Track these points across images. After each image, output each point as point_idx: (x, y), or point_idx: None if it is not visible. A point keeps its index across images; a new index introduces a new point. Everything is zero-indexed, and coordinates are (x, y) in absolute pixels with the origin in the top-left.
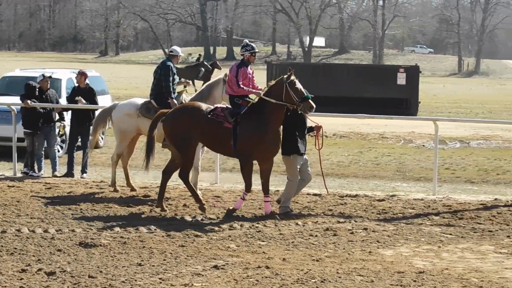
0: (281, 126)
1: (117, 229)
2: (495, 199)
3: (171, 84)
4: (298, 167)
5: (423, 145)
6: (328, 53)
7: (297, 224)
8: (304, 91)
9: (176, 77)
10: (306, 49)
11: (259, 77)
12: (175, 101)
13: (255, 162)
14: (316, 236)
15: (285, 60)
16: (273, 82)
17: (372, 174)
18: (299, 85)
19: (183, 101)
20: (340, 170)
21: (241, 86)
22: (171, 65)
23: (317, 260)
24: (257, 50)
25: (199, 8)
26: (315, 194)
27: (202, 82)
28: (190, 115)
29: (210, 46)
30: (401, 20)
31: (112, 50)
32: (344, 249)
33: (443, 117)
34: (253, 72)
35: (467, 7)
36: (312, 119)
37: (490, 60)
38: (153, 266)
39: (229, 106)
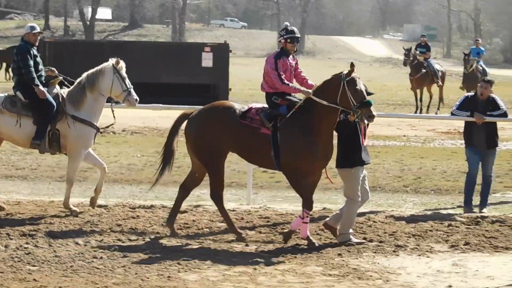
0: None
1: None
2: (324, 208)
3: (32, 69)
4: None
5: None
6: (116, 28)
7: (77, 243)
8: (365, 94)
9: (40, 62)
10: (88, 23)
11: None
12: (43, 89)
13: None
14: (102, 258)
15: (61, 37)
16: (328, 78)
17: (172, 180)
18: (360, 86)
19: (60, 94)
20: (132, 175)
21: (285, 81)
22: (28, 46)
23: None
24: (296, 35)
25: None
26: (100, 206)
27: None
28: (221, 117)
29: None
30: None
31: None
32: (136, 274)
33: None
34: (296, 63)
35: None
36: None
37: (317, 36)
38: None
39: (265, 106)
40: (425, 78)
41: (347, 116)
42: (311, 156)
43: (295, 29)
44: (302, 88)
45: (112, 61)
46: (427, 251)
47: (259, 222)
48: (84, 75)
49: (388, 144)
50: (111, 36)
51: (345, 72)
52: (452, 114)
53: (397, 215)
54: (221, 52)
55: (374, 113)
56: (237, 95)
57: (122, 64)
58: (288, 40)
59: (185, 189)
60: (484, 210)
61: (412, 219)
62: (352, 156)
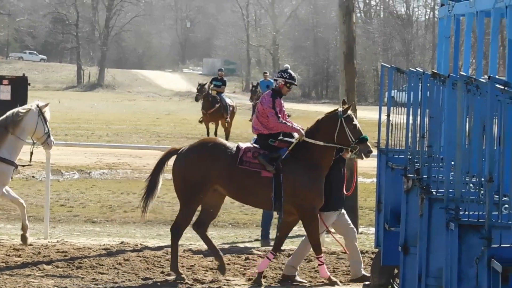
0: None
1: None
2: (122, 242)
3: None
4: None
5: (33, 176)
6: None
7: None
8: (361, 130)
9: None
10: None
11: None
12: None
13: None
14: None
15: None
16: (322, 116)
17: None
18: (357, 122)
19: None
20: None
21: (282, 120)
22: None
23: None
24: (295, 83)
25: None
26: None
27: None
28: (212, 155)
29: None
30: (5, 19)
31: None
32: None
33: (58, 140)
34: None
35: (88, 4)
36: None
37: (117, 69)
38: None
39: (255, 146)
40: (217, 113)
41: (340, 153)
42: (321, 193)
43: (294, 75)
44: (299, 128)
45: (36, 103)
46: (224, 285)
47: (57, 256)
48: (9, 114)
49: None
50: None
51: (341, 109)
52: None
53: (195, 249)
54: (20, 85)
55: (371, 148)
56: None
57: (47, 107)
58: (288, 85)
59: (200, 227)
60: None
61: (210, 252)
62: (328, 201)
